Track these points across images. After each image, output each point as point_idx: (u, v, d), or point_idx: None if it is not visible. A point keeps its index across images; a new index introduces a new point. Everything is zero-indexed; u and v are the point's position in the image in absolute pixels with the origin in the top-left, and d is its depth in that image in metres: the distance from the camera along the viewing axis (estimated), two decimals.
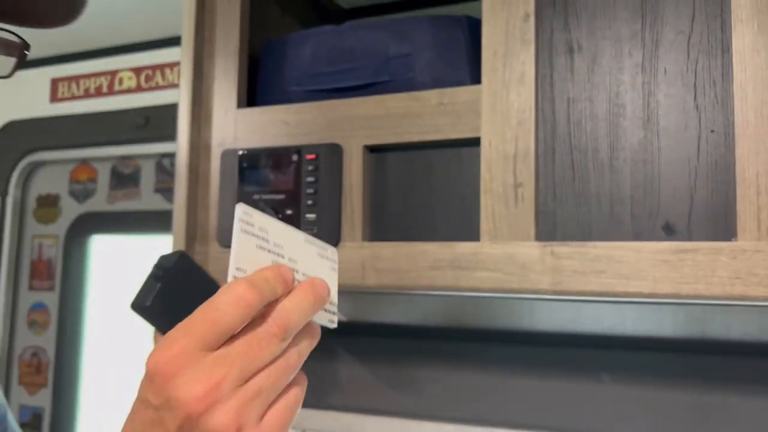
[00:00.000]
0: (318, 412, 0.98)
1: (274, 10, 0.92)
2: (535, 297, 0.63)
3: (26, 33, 0.56)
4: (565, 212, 0.63)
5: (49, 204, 1.44)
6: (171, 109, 1.28)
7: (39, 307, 1.45)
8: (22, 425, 1.40)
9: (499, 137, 0.65)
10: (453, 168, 0.69)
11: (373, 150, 0.72)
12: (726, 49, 0.58)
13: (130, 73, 1.30)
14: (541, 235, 0.63)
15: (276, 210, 0.75)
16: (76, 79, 1.36)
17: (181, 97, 0.80)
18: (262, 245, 0.43)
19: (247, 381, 0.39)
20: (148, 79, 1.28)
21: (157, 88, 1.28)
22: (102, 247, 1.45)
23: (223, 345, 0.39)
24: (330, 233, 0.72)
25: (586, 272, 0.60)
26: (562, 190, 0.63)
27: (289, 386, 0.41)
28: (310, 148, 0.74)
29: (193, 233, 0.79)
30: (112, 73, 1.32)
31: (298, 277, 0.44)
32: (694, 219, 0.58)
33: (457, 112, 0.67)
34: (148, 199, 1.34)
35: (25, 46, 0.56)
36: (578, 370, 0.86)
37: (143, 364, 0.40)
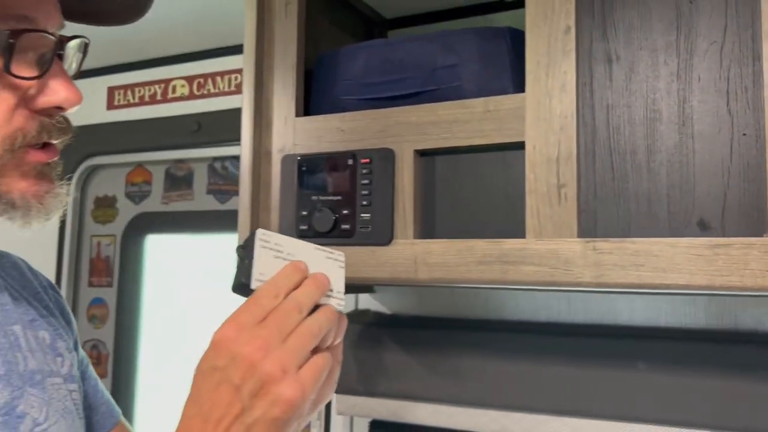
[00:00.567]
0: (367, 399, 1.04)
1: (323, 22, 0.98)
2: (578, 290, 0.68)
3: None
4: (606, 210, 0.68)
5: (106, 205, 1.54)
6: (222, 115, 1.36)
7: (98, 302, 1.54)
8: None
9: (543, 141, 0.70)
10: (498, 170, 0.74)
11: (423, 154, 0.78)
12: (757, 57, 0.62)
13: (183, 82, 1.38)
14: (582, 231, 0.68)
15: (333, 210, 0.81)
16: (131, 87, 1.44)
17: (244, 108, 0.86)
18: (277, 255, 0.57)
19: (284, 341, 0.53)
20: (200, 87, 1.36)
21: (209, 95, 1.35)
22: (156, 246, 1.54)
23: (263, 321, 0.53)
24: (383, 231, 0.78)
25: (626, 266, 0.65)
26: (603, 189, 0.68)
27: (317, 353, 0.55)
28: (365, 152, 0.80)
29: None
30: (166, 82, 1.40)
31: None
32: (728, 216, 0.63)
33: (502, 118, 0.72)
34: (200, 200, 1.42)
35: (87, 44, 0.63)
36: (615, 359, 0.90)
37: (210, 340, 0.53)
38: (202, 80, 1.36)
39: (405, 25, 1.12)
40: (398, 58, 0.83)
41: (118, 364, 1.52)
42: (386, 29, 1.14)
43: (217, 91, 1.34)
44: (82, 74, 0.63)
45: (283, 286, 0.55)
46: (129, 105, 1.44)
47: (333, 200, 0.81)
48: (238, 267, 0.56)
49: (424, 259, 0.75)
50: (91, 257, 1.55)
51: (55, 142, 0.60)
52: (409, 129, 0.78)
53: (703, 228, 0.64)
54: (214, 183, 1.41)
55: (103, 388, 0.80)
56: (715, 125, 0.64)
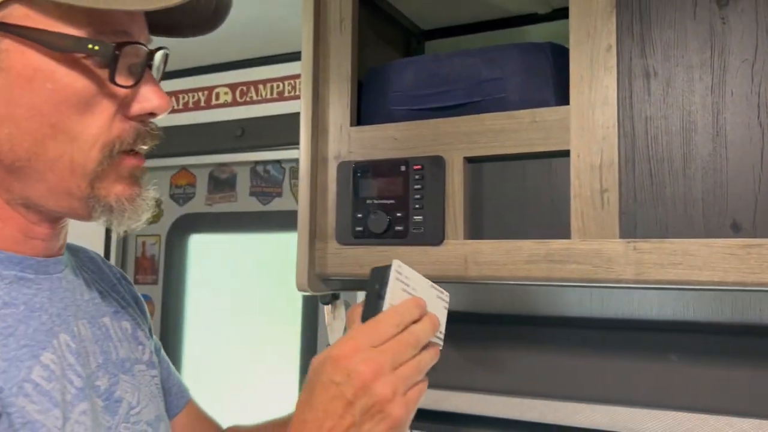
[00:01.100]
0: None
1: (370, 35, 1.04)
2: (619, 286, 0.74)
3: None
4: (645, 213, 0.74)
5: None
6: (265, 121, 1.43)
7: (144, 298, 1.62)
8: None
9: (586, 150, 0.76)
10: (543, 176, 0.81)
11: (471, 161, 0.84)
12: None
13: (226, 89, 1.45)
14: (624, 233, 0.74)
15: (387, 212, 0.87)
16: (176, 94, 1.51)
17: (302, 116, 0.93)
18: (405, 288, 0.63)
19: (396, 369, 0.58)
20: (242, 94, 1.43)
21: (252, 102, 1.42)
22: (200, 245, 1.61)
23: (381, 345, 0.59)
24: (435, 232, 0.84)
25: (665, 264, 0.71)
26: (642, 194, 0.74)
27: (420, 381, 0.61)
28: (417, 159, 0.86)
29: (314, 233, 0.92)
30: (209, 89, 1.47)
31: None
32: (759, 218, 0.69)
33: (548, 128, 0.79)
34: (243, 202, 1.49)
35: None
36: (648, 351, 0.96)
37: (327, 354, 0.59)
38: (244, 88, 1.43)
39: (441, 37, 1.19)
40: (445, 71, 0.89)
41: None
42: (424, 40, 1.20)
43: (259, 98, 1.41)
44: None
45: (405, 319, 0.61)
46: (174, 111, 1.52)
47: (387, 204, 0.88)
48: (370, 302, 0.62)
49: (474, 258, 0.82)
50: (137, 256, 1.63)
51: (145, 147, 0.64)
52: (458, 138, 0.84)
53: (736, 229, 0.70)
54: (257, 185, 1.48)
55: (174, 370, 0.86)
56: (746, 135, 0.70)
